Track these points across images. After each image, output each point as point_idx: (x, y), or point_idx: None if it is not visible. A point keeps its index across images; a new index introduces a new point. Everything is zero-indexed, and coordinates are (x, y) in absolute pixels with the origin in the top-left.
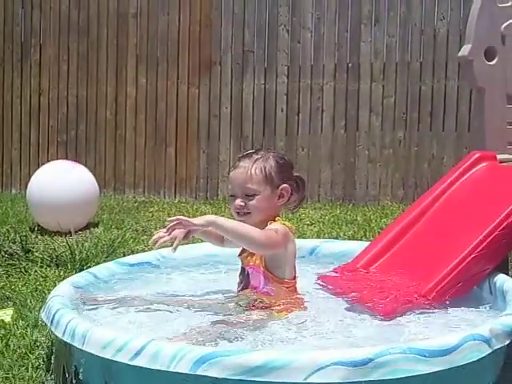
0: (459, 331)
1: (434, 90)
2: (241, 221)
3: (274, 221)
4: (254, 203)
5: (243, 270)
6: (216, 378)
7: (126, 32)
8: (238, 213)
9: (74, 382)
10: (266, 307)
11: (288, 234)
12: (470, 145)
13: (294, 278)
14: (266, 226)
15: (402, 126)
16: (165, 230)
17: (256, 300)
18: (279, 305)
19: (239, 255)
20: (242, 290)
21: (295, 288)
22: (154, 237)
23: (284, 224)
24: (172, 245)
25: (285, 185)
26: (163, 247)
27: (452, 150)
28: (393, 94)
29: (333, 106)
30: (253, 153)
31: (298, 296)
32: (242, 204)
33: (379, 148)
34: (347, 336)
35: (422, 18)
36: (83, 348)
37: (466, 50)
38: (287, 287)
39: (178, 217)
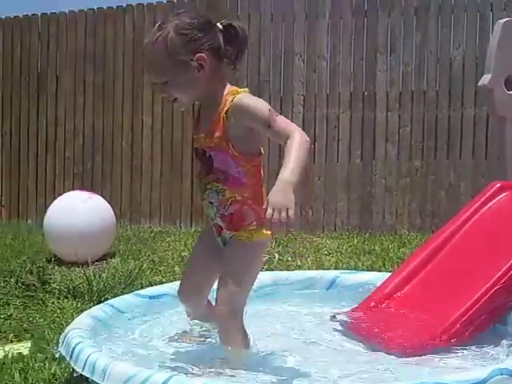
0: (486, 366)
1: (451, 119)
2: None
3: (236, 91)
4: (172, 90)
5: (203, 152)
6: None
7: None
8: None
9: None
10: (240, 205)
11: None
12: (487, 173)
13: (260, 153)
14: (222, 96)
15: (419, 154)
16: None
17: (229, 200)
18: (253, 202)
19: (194, 134)
20: (204, 176)
21: (261, 165)
22: None
23: (244, 91)
24: None
25: (198, 55)
26: None
27: (469, 178)
28: (409, 122)
29: (349, 135)
30: (157, 29)
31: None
32: (164, 94)
33: (396, 177)
34: (370, 373)
35: (437, 47)
36: (104, 383)
37: (486, 79)
38: (255, 165)
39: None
